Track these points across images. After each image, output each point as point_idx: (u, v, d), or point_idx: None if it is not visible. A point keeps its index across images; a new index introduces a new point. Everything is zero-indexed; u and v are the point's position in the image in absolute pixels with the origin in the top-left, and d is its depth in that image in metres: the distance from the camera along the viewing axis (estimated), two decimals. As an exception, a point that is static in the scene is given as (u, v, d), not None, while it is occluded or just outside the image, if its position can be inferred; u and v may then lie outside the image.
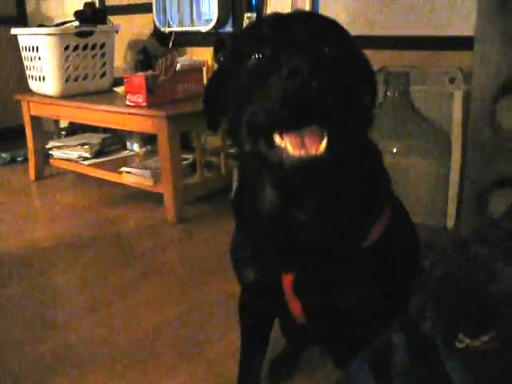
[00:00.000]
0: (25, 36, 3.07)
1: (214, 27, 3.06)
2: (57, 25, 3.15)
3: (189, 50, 3.31)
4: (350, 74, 0.84)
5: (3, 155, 3.65)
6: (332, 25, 0.88)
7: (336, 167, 0.81)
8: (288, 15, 0.89)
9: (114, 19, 3.28)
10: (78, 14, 3.16)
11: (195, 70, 2.82)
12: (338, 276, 0.94)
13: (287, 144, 0.77)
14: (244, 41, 0.88)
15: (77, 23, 3.09)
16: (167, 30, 3.27)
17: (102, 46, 3.07)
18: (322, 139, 0.77)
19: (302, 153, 0.76)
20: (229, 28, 3.13)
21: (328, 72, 0.75)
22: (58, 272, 2.11)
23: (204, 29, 3.10)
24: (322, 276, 0.94)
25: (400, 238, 1.03)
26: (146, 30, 3.47)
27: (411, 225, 1.12)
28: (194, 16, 3.16)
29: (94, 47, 3.04)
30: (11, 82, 4.19)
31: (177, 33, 3.28)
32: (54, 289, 1.97)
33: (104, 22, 3.18)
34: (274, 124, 0.78)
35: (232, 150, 2.95)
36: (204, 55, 3.03)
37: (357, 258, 0.94)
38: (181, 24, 3.22)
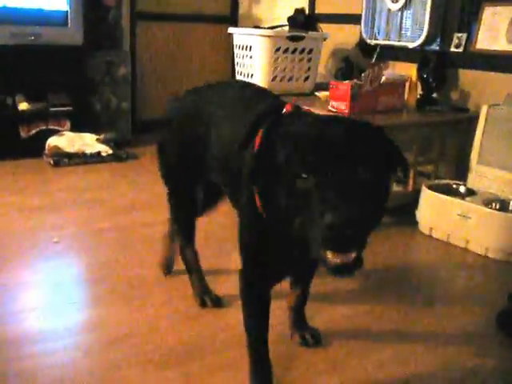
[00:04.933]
0: (240, 35, 3.31)
1: (421, 44, 3.06)
2: (270, 27, 3.36)
3: (391, 63, 3.33)
4: (382, 191, 1.09)
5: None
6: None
7: None
8: (328, 129, 1.06)
9: (322, 27, 3.41)
10: (291, 20, 3.34)
11: (398, 84, 2.85)
12: None
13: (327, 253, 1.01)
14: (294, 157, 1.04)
15: (287, 28, 3.27)
16: (373, 42, 3.33)
17: (310, 51, 3.21)
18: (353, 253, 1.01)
19: (338, 261, 1.01)
20: (435, 46, 3.10)
21: (365, 204, 0.98)
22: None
23: (411, 45, 3.10)
24: None
25: None
26: (351, 40, 3.55)
27: None
28: (402, 31, 3.18)
29: (302, 51, 3.18)
30: (220, 76, 4.55)
31: (382, 46, 3.32)
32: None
33: (314, 28, 3.32)
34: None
35: (420, 168, 2.93)
36: (407, 70, 3.04)
37: None
38: (387, 38, 3.25)
